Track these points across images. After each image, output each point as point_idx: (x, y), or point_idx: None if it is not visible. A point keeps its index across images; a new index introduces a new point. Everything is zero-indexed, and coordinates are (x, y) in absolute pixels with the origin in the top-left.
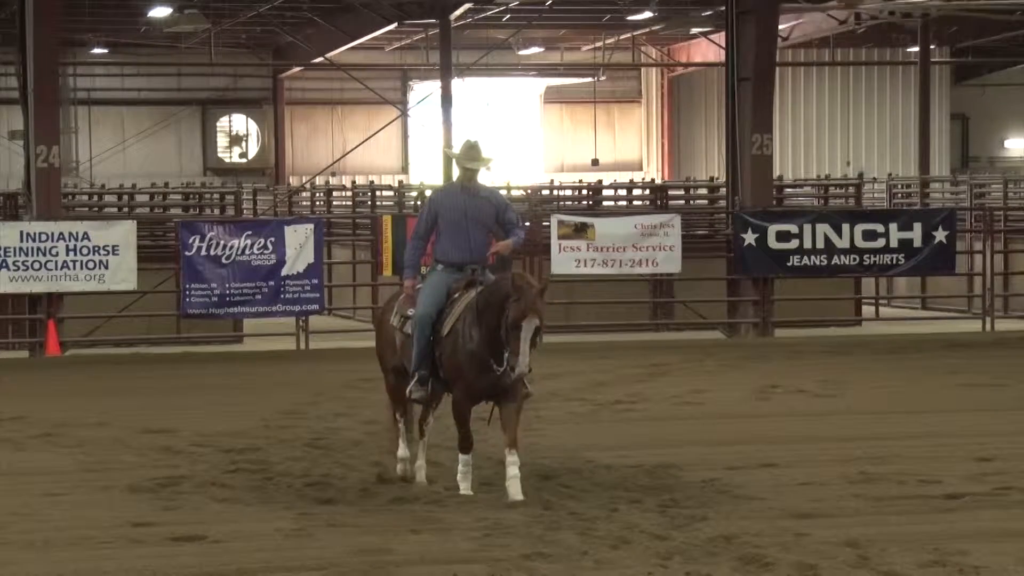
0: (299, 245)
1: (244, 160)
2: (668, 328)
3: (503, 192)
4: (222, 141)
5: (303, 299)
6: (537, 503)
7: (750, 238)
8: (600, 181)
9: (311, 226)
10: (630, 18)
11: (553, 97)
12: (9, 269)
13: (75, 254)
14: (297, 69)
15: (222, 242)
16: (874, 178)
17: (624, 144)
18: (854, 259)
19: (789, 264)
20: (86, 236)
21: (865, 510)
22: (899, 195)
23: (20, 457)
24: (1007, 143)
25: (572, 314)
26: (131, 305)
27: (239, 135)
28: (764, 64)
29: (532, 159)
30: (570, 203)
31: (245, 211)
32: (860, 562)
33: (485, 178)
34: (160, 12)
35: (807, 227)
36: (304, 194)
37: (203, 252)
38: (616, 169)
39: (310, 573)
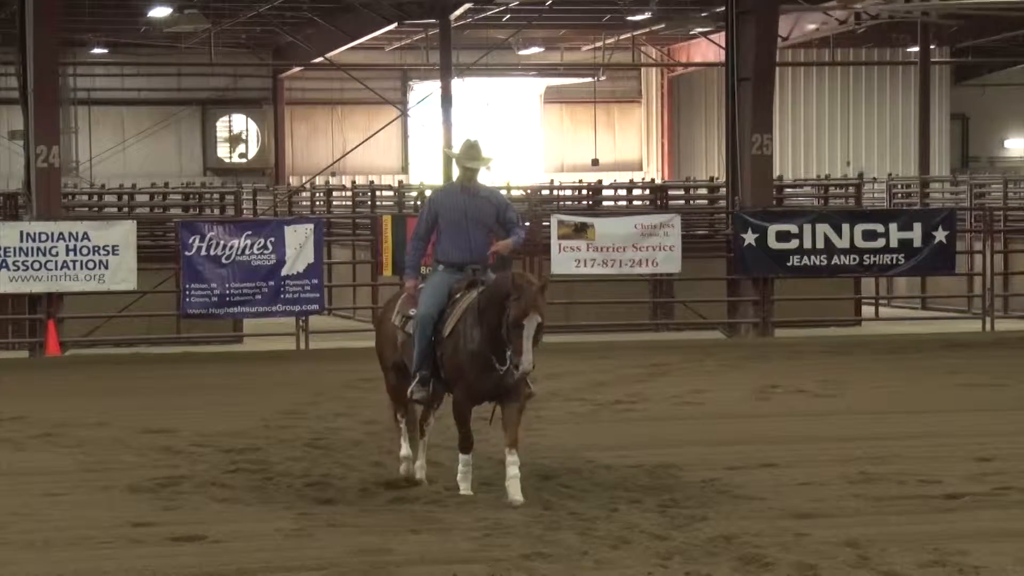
0: (299, 245)
1: (244, 160)
2: (668, 328)
3: (503, 192)
4: (222, 141)
5: (303, 299)
6: (537, 503)
7: (750, 238)
8: (600, 181)
9: (311, 226)
10: (630, 18)
11: (553, 97)
12: (9, 269)
13: (75, 254)
14: (297, 69)
15: (222, 242)
16: (874, 178)
17: (624, 144)
18: (854, 259)
19: (789, 264)
20: (86, 236)
21: (865, 510)
22: (899, 195)
23: (20, 457)
24: (1007, 143)
25: (572, 314)
26: (131, 305)
27: (239, 135)
28: (764, 64)
29: (532, 159)
30: (570, 203)
31: (245, 211)
32: (860, 562)
33: (485, 178)
34: (160, 12)
35: (807, 227)
36: (304, 194)
37: (203, 252)
38: (616, 169)
39: (310, 573)
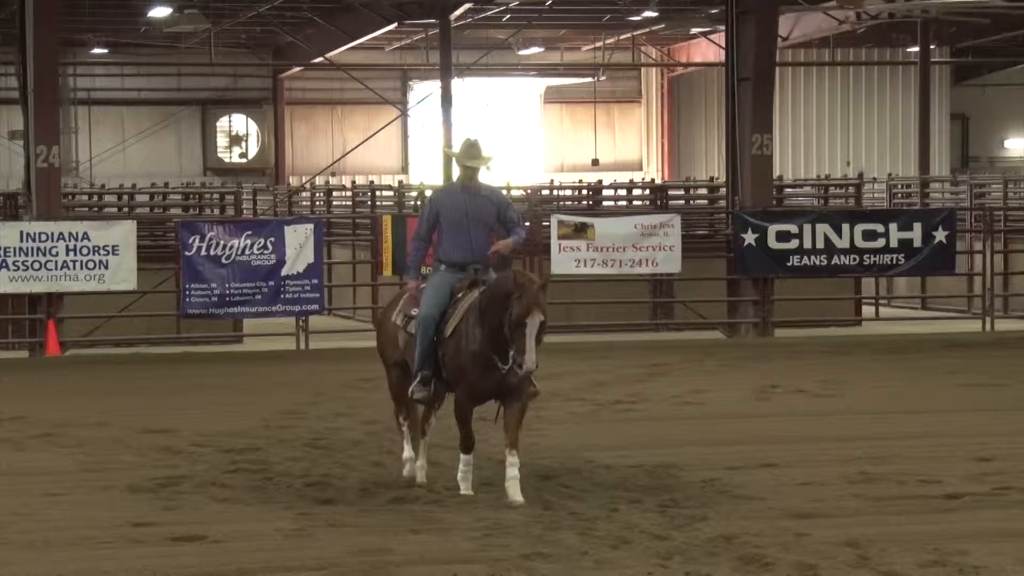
0: (299, 245)
1: (244, 160)
2: (668, 328)
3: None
4: (222, 141)
5: (303, 299)
6: (537, 503)
7: (750, 238)
8: (600, 181)
9: (311, 226)
10: (630, 18)
11: (553, 97)
12: (9, 269)
13: (75, 254)
14: (297, 69)
15: (222, 242)
16: (874, 178)
17: (624, 144)
18: (854, 259)
19: (789, 264)
20: (86, 236)
21: (865, 510)
22: (899, 195)
23: (20, 457)
24: (1007, 143)
25: (572, 314)
26: (131, 305)
27: (239, 135)
28: (764, 64)
29: (532, 159)
30: (570, 203)
31: (245, 211)
32: (860, 562)
33: (485, 178)
34: (160, 12)
35: (807, 227)
36: (304, 194)
37: (203, 252)
38: (616, 169)
39: (310, 573)
